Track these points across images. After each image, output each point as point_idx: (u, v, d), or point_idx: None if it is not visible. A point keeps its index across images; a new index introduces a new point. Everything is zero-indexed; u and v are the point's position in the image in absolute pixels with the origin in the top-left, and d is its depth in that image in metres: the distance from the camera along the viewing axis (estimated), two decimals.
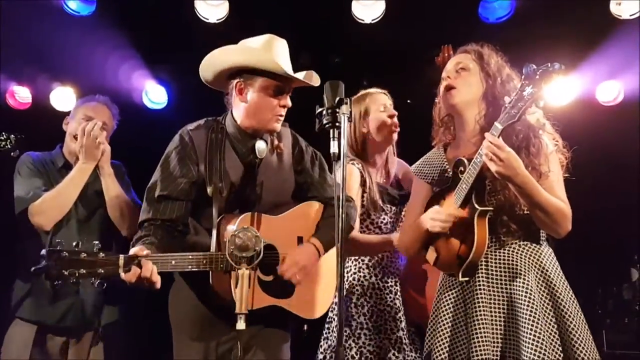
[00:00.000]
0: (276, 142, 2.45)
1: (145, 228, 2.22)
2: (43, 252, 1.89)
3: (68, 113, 3.04)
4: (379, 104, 2.93)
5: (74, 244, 1.92)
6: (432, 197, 2.33)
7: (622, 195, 4.11)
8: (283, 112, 2.36)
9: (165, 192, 2.26)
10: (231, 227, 2.20)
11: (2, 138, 2.47)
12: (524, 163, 2.11)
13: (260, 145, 2.36)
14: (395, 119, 2.91)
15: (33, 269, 1.89)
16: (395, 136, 2.92)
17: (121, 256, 1.97)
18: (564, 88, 4.25)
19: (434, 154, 2.45)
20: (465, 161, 2.16)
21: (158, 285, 2.03)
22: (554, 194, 2.14)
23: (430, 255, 2.29)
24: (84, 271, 1.89)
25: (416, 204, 2.40)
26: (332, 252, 2.39)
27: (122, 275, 1.96)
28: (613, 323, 4.08)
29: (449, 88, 2.33)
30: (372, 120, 2.90)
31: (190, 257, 2.11)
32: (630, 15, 3.95)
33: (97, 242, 1.97)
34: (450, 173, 2.29)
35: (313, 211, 2.46)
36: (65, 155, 2.92)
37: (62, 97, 4.31)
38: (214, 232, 2.22)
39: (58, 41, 3.94)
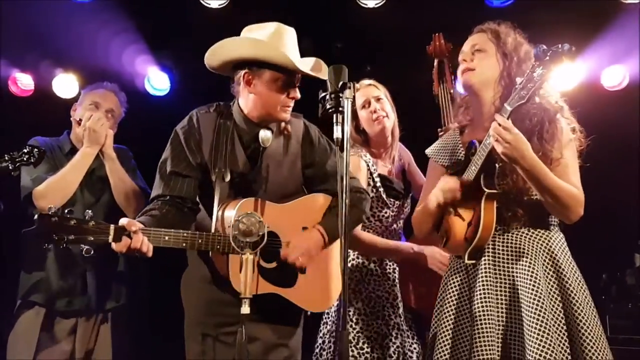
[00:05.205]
0: (282, 125, 2.41)
1: (153, 202, 2.25)
2: (36, 215, 1.90)
3: (70, 100, 3.04)
4: (362, 101, 2.91)
5: (67, 210, 1.93)
6: None
7: (626, 180, 4.09)
8: (291, 103, 2.33)
9: (176, 168, 2.28)
10: (229, 213, 2.19)
11: (26, 151, 2.48)
12: (535, 148, 2.08)
13: (265, 134, 2.33)
14: (378, 111, 2.87)
15: (24, 230, 1.92)
16: (383, 126, 2.88)
17: (112, 226, 1.99)
18: (569, 73, 4.21)
19: (450, 137, 2.43)
20: (477, 143, 2.14)
21: (150, 254, 2.05)
22: (567, 180, 2.10)
23: (440, 237, 2.30)
24: (73, 237, 1.91)
25: (430, 187, 2.36)
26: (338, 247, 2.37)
27: (113, 245, 1.99)
28: (616, 308, 4.08)
29: (466, 70, 2.28)
30: (360, 117, 2.92)
31: (184, 234, 2.11)
32: None
33: (89, 210, 1.98)
34: (463, 156, 2.27)
35: (318, 204, 2.42)
36: (73, 141, 2.95)
37: (65, 84, 4.26)
38: (214, 216, 2.22)
39: (60, 28, 3.92)
